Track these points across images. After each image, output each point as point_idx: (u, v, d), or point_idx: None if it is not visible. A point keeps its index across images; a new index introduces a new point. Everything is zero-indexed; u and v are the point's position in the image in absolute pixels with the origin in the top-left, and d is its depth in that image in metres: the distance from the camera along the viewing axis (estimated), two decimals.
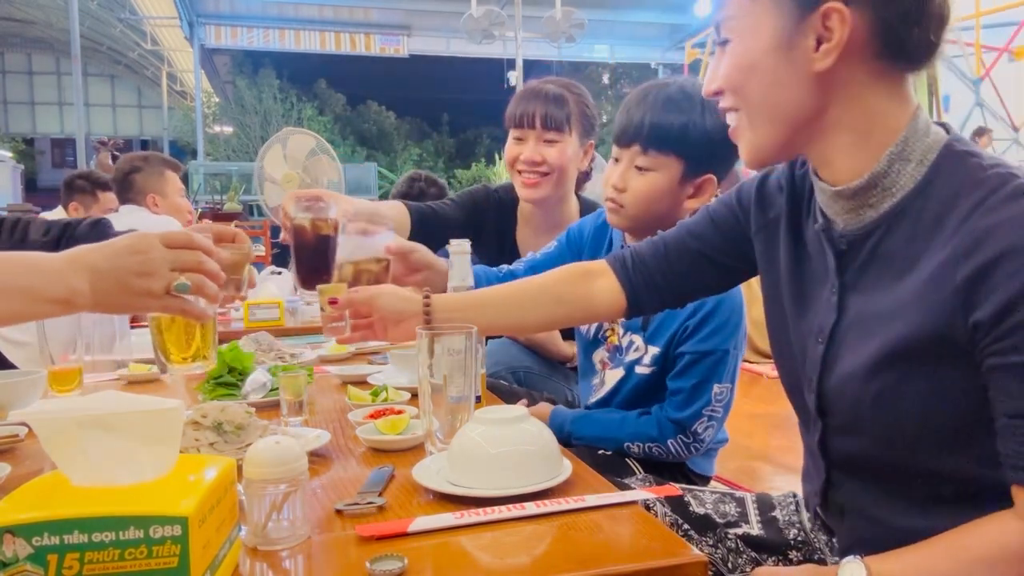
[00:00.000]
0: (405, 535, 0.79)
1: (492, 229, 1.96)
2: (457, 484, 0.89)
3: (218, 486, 0.69)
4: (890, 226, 0.84)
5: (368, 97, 30.98)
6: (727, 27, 0.88)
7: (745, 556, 1.10)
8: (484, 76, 23.63)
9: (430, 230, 1.82)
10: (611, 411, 1.47)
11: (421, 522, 0.81)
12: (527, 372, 1.84)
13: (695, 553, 0.73)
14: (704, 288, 1.17)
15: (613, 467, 1.37)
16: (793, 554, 1.10)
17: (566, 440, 1.43)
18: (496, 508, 0.84)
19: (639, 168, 1.39)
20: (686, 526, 1.11)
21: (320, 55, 22.31)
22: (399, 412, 1.18)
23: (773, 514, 1.14)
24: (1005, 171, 0.78)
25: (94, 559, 0.61)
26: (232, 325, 2.55)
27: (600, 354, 1.52)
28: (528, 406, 1.54)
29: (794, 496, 1.17)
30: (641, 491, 0.95)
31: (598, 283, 1.18)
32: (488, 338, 1.75)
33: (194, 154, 21.70)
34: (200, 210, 8.92)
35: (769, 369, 4.04)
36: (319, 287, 1.17)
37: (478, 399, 1.10)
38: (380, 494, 0.89)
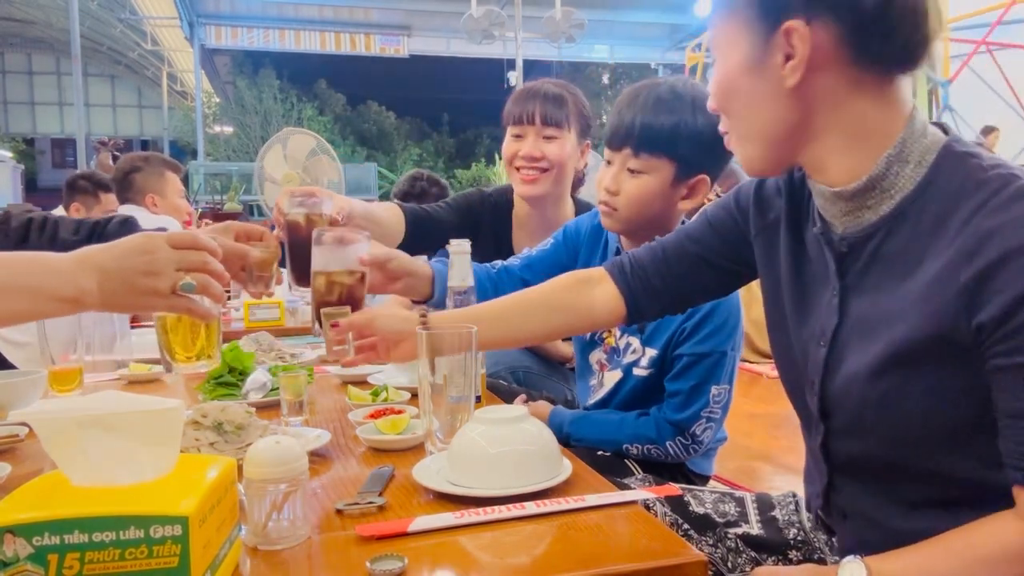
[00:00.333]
0: (405, 535, 0.79)
1: (488, 232, 1.95)
2: (457, 484, 0.89)
3: (218, 486, 0.69)
4: (890, 228, 0.84)
5: (368, 97, 30.99)
6: (712, 47, 0.91)
7: (745, 556, 1.10)
8: (484, 76, 23.64)
9: (424, 232, 1.82)
10: (609, 412, 1.47)
11: (421, 522, 0.81)
12: (526, 372, 1.84)
13: (695, 553, 0.74)
14: (704, 292, 1.17)
15: (612, 468, 1.37)
16: (793, 554, 1.10)
17: (564, 441, 1.43)
18: (496, 508, 0.84)
19: (631, 171, 1.39)
20: (686, 526, 1.11)
21: (320, 55, 22.33)
22: (399, 412, 1.18)
23: (773, 514, 1.14)
24: (1006, 172, 0.78)
25: (94, 559, 0.61)
26: (232, 325, 2.55)
27: (597, 355, 1.52)
28: (526, 403, 1.54)
29: (794, 496, 1.17)
30: (641, 491, 0.95)
31: (597, 290, 1.17)
32: None
33: (194, 154, 21.71)
34: (200, 210, 8.92)
35: (769, 369, 4.03)
36: (324, 311, 1.17)
37: (478, 399, 1.10)
38: (380, 494, 0.90)
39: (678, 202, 1.41)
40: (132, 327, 2.11)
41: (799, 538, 1.11)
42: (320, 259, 1.20)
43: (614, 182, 1.40)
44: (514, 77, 13.96)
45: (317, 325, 1.20)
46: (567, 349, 1.88)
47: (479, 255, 1.39)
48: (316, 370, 1.61)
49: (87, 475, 0.66)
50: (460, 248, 1.28)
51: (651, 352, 1.42)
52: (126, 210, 3.11)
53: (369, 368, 1.62)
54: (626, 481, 1.32)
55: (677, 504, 1.13)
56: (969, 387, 0.78)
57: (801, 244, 0.97)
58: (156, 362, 1.69)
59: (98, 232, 1.60)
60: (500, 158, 2.07)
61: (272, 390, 1.37)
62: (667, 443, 1.39)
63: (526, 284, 1.47)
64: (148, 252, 0.94)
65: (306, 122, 24.27)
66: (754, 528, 1.12)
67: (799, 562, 1.09)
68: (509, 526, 0.81)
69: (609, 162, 1.43)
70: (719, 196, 1.15)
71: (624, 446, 1.42)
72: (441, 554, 0.76)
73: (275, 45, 20.61)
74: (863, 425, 0.87)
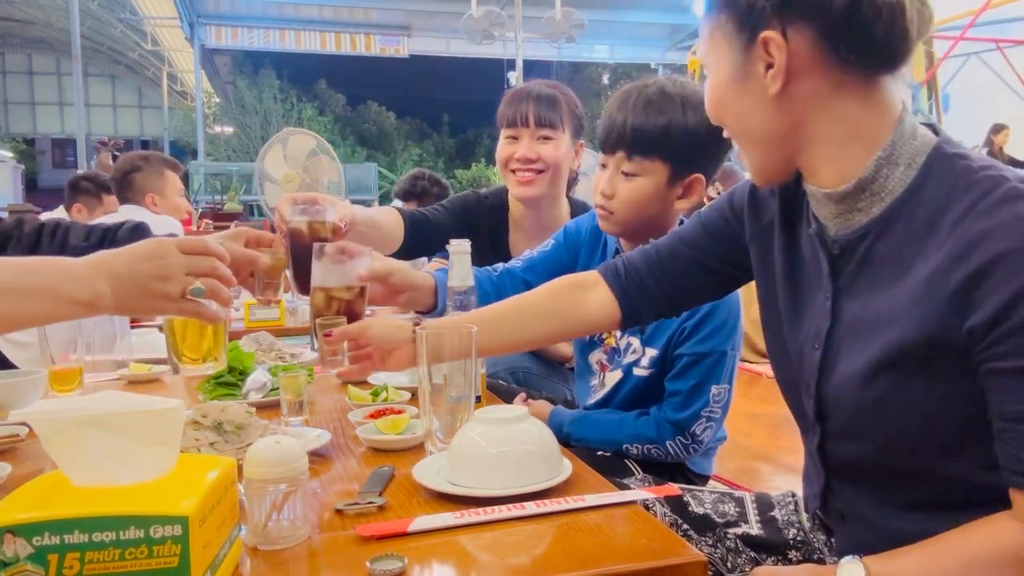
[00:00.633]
0: (405, 535, 0.79)
1: (485, 234, 1.96)
2: (457, 484, 0.89)
3: (218, 486, 0.69)
4: (882, 230, 0.84)
5: (368, 97, 30.99)
6: (704, 62, 0.92)
7: (744, 556, 1.10)
8: (484, 76, 23.64)
9: (423, 236, 1.82)
10: (609, 412, 1.47)
11: (421, 522, 0.81)
12: (526, 372, 1.84)
13: (695, 553, 0.74)
14: (700, 295, 1.17)
15: (612, 468, 1.37)
16: (792, 554, 1.10)
17: (564, 441, 1.43)
18: (496, 508, 0.84)
19: (625, 174, 1.39)
20: (685, 526, 1.11)
21: (320, 55, 22.31)
22: (399, 412, 1.18)
23: (772, 514, 1.14)
24: (996, 173, 0.78)
25: (94, 559, 0.61)
26: (232, 325, 2.55)
27: (597, 355, 1.52)
28: (526, 403, 1.54)
29: (793, 496, 1.17)
30: (640, 491, 0.95)
31: (591, 295, 1.17)
32: None
33: (194, 154, 21.70)
34: (200, 210, 8.94)
35: (769, 369, 4.03)
36: (317, 320, 1.17)
37: (478, 399, 1.10)
38: (380, 494, 0.90)
39: (674, 202, 1.41)
40: (132, 327, 2.11)
41: (798, 538, 1.11)
42: (319, 274, 1.20)
43: (609, 185, 1.40)
44: (514, 77, 13.96)
45: (315, 339, 1.20)
46: (567, 349, 1.88)
47: (476, 257, 1.39)
48: (316, 370, 1.61)
49: (87, 475, 0.66)
50: (460, 248, 1.28)
51: (651, 352, 1.42)
52: (126, 210, 3.10)
53: None
54: (626, 481, 1.32)
55: (677, 504, 1.13)
56: (964, 389, 0.78)
57: (795, 246, 0.97)
58: (156, 362, 1.70)
59: (109, 238, 1.61)
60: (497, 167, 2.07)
61: (272, 390, 1.37)
62: (667, 442, 1.39)
63: (529, 286, 1.47)
64: (159, 257, 0.97)
65: (306, 122, 24.26)
66: (753, 528, 1.12)
67: (798, 562, 1.09)
68: (509, 526, 0.81)
69: (604, 165, 1.43)
70: (720, 194, 1.15)
71: (624, 446, 1.42)
72: (441, 554, 0.76)
73: (275, 45, 20.60)
74: (859, 428, 0.87)
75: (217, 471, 0.71)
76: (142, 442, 0.68)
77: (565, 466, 0.94)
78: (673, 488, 1.00)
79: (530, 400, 1.59)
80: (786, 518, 1.13)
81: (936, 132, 0.85)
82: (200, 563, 0.63)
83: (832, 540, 1.05)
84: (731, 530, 1.12)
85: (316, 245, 1.21)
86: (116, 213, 3.15)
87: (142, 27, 21.08)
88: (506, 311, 1.18)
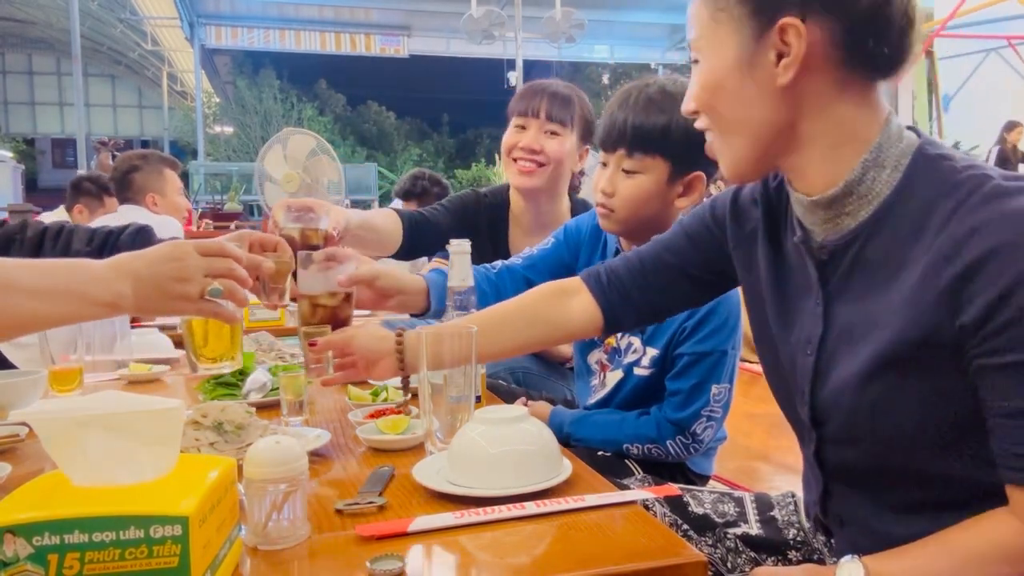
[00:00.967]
0: (405, 535, 0.79)
1: (484, 232, 1.96)
2: (457, 484, 0.89)
3: (218, 486, 0.69)
4: (870, 233, 0.84)
5: (368, 97, 30.98)
6: (695, 47, 0.89)
7: (744, 556, 1.10)
8: (484, 76, 23.63)
9: (422, 236, 1.83)
10: (610, 412, 1.48)
11: (421, 522, 0.81)
12: (526, 372, 1.85)
13: (695, 553, 0.74)
14: (682, 303, 1.17)
15: (612, 468, 1.37)
16: (792, 554, 1.10)
17: (565, 441, 1.43)
18: (496, 508, 0.84)
19: (626, 172, 1.39)
20: (685, 526, 1.11)
21: (320, 55, 22.30)
22: (399, 412, 1.18)
23: (772, 514, 1.14)
24: (979, 172, 0.78)
25: (94, 559, 0.61)
26: None
27: (597, 355, 1.52)
28: (526, 403, 1.54)
29: (793, 496, 1.17)
30: (640, 491, 0.95)
31: (574, 301, 1.17)
32: None
33: (194, 154, 21.68)
34: (200, 210, 8.94)
35: None
36: (302, 329, 1.18)
37: (478, 399, 1.10)
38: (380, 494, 0.90)
39: (675, 200, 1.41)
40: (132, 327, 2.11)
41: (798, 538, 1.11)
42: (304, 283, 1.21)
43: (609, 183, 1.41)
44: (514, 77, 13.95)
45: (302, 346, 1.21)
46: (567, 350, 1.88)
47: (476, 255, 1.39)
48: None
49: (87, 475, 0.66)
50: (460, 248, 1.28)
51: (652, 352, 1.42)
52: (126, 210, 3.10)
53: None
54: (626, 481, 1.32)
55: (676, 504, 1.13)
56: (959, 388, 0.78)
57: (780, 254, 0.96)
58: (156, 362, 1.70)
59: (111, 242, 1.61)
60: (500, 158, 2.07)
61: (272, 390, 1.37)
62: (667, 442, 1.39)
63: (530, 284, 1.47)
64: (178, 259, 1.00)
65: (306, 122, 24.26)
66: (753, 528, 1.12)
67: (798, 562, 1.09)
68: (509, 526, 0.81)
69: (604, 164, 1.43)
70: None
71: (624, 446, 1.42)
72: (441, 554, 0.76)
73: (275, 45, 20.58)
74: (855, 432, 0.87)
75: (217, 471, 0.71)
76: (142, 442, 0.68)
77: (565, 466, 0.94)
78: (673, 488, 1.00)
79: (530, 401, 1.59)
80: (786, 518, 1.13)
81: (918, 135, 0.85)
82: (200, 563, 0.63)
83: (832, 540, 1.05)
84: (731, 530, 1.12)
85: (302, 253, 1.22)
86: (116, 214, 3.15)
87: (142, 27, 21.07)
88: (489, 319, 1.17)
